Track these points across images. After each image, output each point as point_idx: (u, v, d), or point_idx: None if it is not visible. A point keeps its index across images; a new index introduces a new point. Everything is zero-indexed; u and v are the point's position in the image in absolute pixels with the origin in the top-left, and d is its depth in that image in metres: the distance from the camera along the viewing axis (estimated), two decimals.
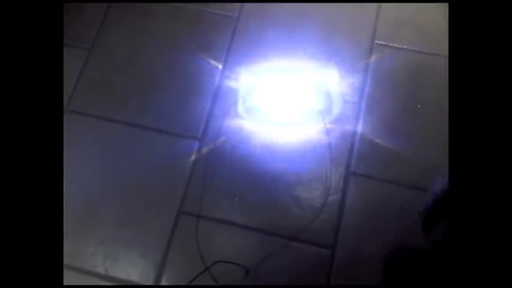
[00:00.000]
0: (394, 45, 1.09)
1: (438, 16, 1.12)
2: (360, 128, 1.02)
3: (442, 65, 1.06)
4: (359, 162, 0.99)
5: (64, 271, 0.92)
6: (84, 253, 0.95)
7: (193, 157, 1.02)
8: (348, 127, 1.02)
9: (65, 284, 0.87)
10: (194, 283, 0.91)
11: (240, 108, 1.04)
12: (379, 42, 1.10)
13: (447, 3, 1.09)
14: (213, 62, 1.10)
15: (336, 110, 1.02)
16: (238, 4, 1.15)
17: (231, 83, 1.08)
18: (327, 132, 1.01)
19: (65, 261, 0.93)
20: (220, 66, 1.10)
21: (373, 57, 1.08)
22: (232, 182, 0.99)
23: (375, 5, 1.14)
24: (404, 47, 1.09)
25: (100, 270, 0.94)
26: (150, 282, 0.92)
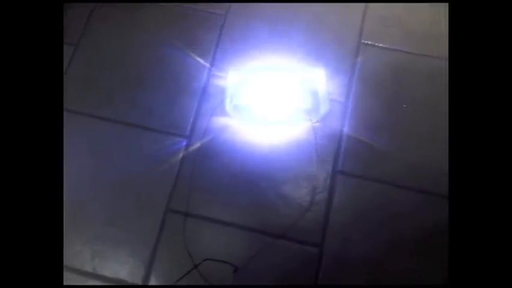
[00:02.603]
0: (381, 45, 1.11)
1: (425, 16, 1.13)
2: (346, 127, 1.03)
3: (427, 65, 1.08)
4: (346, 161, 1.00)
5: None
6: (72, 251, 0.94)
7: (180, 155, 1.02)
8: (335, 126, 1.03)
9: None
10: (182, 281, 0.91)
11: (228, 106, 1.04)
12: (366, 41, 1.11)
13: (435, 4, 1.12)
14: (200, 60, 1.10)
15: (323, 109, 1.03)
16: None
17: (219, 81, 1.08)
18: (314, 131, 1.02)
19: None
20: (207, 64, 1.09)
21: (360, 57, 1.09)
22: (220, 180, 0.99)
23: (362, 4, 1.15)
24: (391, 46, 1.10)
25: (88, 268, 0.93)
26: (138, 281, 0.92)
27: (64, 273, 0.92)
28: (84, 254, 0.94)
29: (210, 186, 0.99)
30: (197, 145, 1.02)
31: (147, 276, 0.92)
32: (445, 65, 1.07)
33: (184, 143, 1.03)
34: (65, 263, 0.93)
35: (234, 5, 1.15)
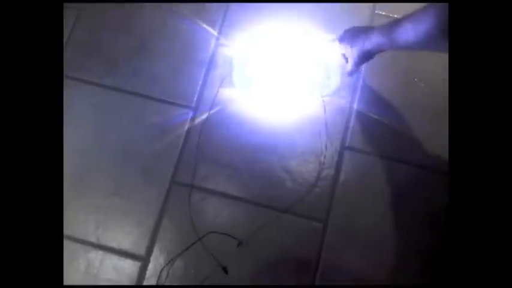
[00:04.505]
0: (395, 16, 1.07)
1: None
2: (356, 102, 1.00)
3: None
4: (354, 137, 0.98)
5: None
6: (76, 221, 0.94)
7: (186, 126, 1.00)
8: (345, 101, 1.00)
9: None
10: (186, 253, 0.91)
11: (236, 77, 1.02)
12: (380, 12, 1.07)
13: None
14: (208, 28, 1.07)
15: (333, 83, 1.00)
16: None
17: (227, 51, 1.05)
18: (323, 105, 1.00)
19: None
20: (215, 33, 1.06)
21: None
22: (226, 153, 0.98)
23: None
24: None
25: (92, 238, 0.93)
26: (142, 252, 0.92)
27: (67, 242, 0.93)
28: (88, 224, 0.94)
29: (216, 158, 0.98)
30: (203, 116, 1.00)
31: (150, 247, 0.92)
32: None
33: (190, 114, 1.01)
34: (68, 232, 0.93)
35: None
